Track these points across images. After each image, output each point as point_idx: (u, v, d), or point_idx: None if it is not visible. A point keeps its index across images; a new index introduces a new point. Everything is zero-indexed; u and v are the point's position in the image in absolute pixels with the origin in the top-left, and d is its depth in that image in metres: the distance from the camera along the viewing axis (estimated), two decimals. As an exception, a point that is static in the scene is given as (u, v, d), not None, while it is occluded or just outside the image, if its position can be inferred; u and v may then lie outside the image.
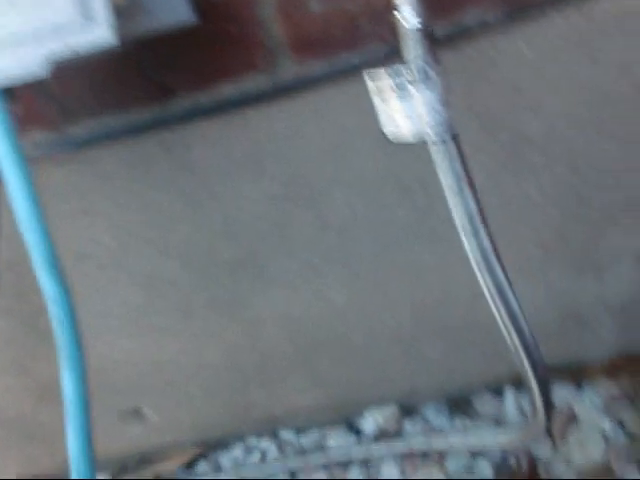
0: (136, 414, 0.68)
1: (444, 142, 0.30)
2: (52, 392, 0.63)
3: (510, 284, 0.37)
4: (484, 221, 0.32)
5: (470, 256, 0.34)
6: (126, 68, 0.35)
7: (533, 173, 0.46)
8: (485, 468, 0.66)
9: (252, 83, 0.37)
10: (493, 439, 0.62)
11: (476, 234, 0.32)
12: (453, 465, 0.68)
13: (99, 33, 0.23)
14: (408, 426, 0.72)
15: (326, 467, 0.71)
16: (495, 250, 0.33)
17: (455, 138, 0.31)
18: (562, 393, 0.68)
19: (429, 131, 0.29)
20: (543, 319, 0.60)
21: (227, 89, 0.37)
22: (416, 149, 0.43)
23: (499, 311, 0.39)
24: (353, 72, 0.37)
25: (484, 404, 0.71)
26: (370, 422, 0.73)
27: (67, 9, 0.22)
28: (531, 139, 0.43)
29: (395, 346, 0.64)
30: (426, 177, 0.44)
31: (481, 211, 0.32)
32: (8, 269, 0.49)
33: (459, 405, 0.72)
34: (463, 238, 0.33)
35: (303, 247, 0.50)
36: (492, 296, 0.37)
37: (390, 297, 0.56)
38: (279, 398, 0.71)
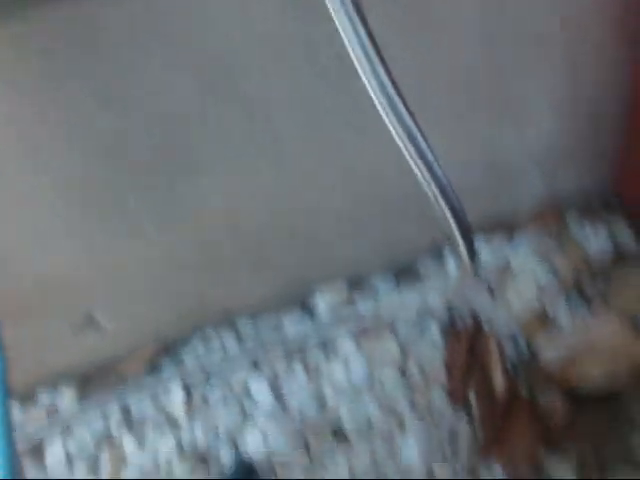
0: (89, 323, 0.68)
1: None
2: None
3: (421, 132, 0.36)
4: (378, 52, 0.30)
5: (374, 99, 0.32)
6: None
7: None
8: (433, 329, 0.71)
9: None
10: (435, 294, 0.65)
11: (371, 63, 0.30)
12: (403, 330, 0.72)
13: None
14: (357, 297, 0.75)
15: (286, 354, 0.74)
16: (397, 91, 0.32)
17: None
18: (496, 248, 0.71)
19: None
20: (470, 175, 0.61)
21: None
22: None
23: (415, 162, 0.38)
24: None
25: (427, 268, 0.74)
26: (322, 299, 0.76)
27: None
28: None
29: (336, 226, 0.65)
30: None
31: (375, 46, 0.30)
32: None
33: (404, 272, 0.75)
34: (362, 77, 0.31)
35: (231, 137, 0.47)
36: (403, 142, 0.36)
37: (323, 178, 0.55)
38: (231, 290, 0.71)
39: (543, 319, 0.69)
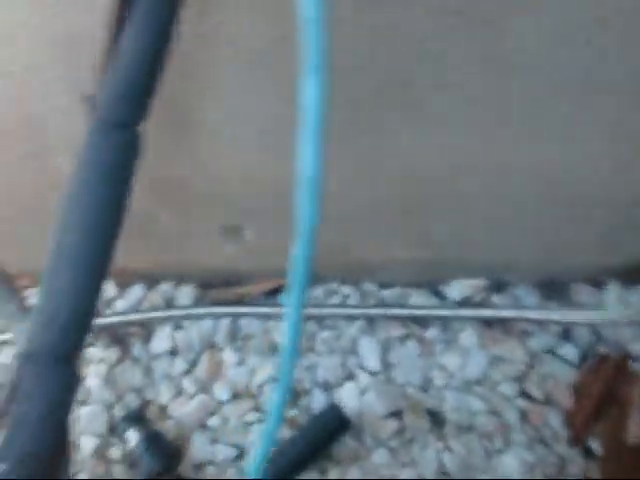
0: (236, 232, 0.70)
1: None
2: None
3: None
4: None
5: None
6: None
7: None
8: (571, 352, 0.66)
9: None
10: (585, 316, 0.60)
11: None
12: (535, 344, 0.67)
13: None
14: (495, 300, 0.71)
15: (404, 322, 0.72)
16: None
17: None
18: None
19: None
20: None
21: None
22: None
23: None
24: None
25: (581, 292, 0.69)
26: (456, 290, 0.73)
27: None
28: None
29: (507, 211, 0.62)
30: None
31: None
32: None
33: (554, 289, 0.71)
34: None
35: (462, 83, 0.46)
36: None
37: (513, 154, 0.53)
38: (374, 246, 0.70)
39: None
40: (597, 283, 0.68)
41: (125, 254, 0.74)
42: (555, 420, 0.62)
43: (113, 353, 0.72)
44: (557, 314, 0.64)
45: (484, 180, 0.59)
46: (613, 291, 0.66)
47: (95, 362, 0.72)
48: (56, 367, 0.40)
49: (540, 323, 0.67)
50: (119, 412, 0.68)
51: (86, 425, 0.67)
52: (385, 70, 0.48)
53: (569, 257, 0.67)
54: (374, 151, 0.57)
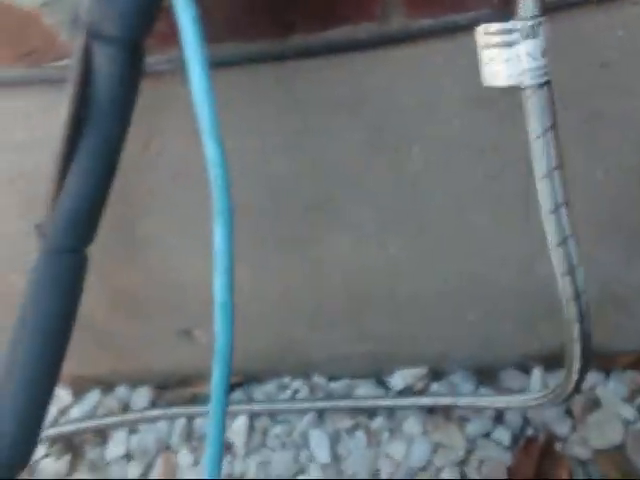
0: (187, 335, 0.74)
1: (539, 86, 0.34)
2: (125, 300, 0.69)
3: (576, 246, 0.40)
4: (561, 170, 0.36)
5: (541, 199, 0.37)
6: (259, 2, 0.39)
7: (603, 153, 0.49)
8: (503, 435, 0.70)
9: (363, 31, 0.41)
10: (515, 399, 0.65)
11: (552, 180, 0.36)
12: (472, 429, 0.72)
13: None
14: (435, 387, 0.76)
15: (352, 413, 0.76)
16: (567, 199, 0.37)
17: (549, 84, 0.34)
18: (589, 376, 0.71)
19: (526, 75, 0.33)
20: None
21: (340, 33, 0.41)
22: (496, 117, 0.47)
23: (564, 281, 0.42)
24: (456, 32, 0.40)
25: (510, 378, 0.75)
26: (399, 379, 0.78)
27: None
28: (608, 118, 0.46)
29: (437, 306, 0.68)
30: (501, 143, 0.48)
31: (560, 159, 0.36)
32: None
33: (486, 376, 0.76)
34: (538, 186, 0.37)
35: (377, 196, 0.54)
36: (558, 257, 0.40)
37: (445, 256, 0.60)
38: (320, 343, 0.75)
39: (622, 461, 0.67)
40: (524, 368, 0.74)
41: (81, 362, 0.78)
42: (494, 502, 0.65)
43: (66, 462, 0.73)
44: (488, 400, 0.69)
45: (414, 281, 0.65)
46: (536, 376, 0.71)
47: (48, 474, 0.73)
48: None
49: (475, 409, 0.72)
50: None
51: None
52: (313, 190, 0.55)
53: (497, 345, 0.73)
54: (314, 259, 0.63)
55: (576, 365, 0.53)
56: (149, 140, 0.51)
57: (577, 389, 0.56)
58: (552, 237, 0.38)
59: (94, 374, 0.78)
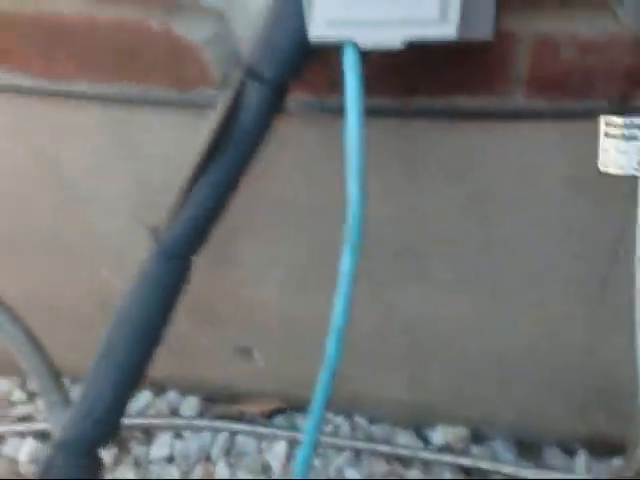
0: (246, 353, 0.77)
1: None
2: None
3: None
4: None
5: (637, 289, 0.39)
6: (393, 64, 0.44)
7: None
8: (540, 511, 0.70)
9: (480, 103, 0.45)
10: (560, 476, 0.65)
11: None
12: (508, 498, 0.72)
13: (448, 31, 0.31)
14: (474, 450, 0.77)
15: (388, 459, 0.77)
16: None
17: None
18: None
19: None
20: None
21: (460, 101, 0.45)
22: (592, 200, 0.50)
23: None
24: (570, 117, 0.44)
25: (553, 456, 0.75)
26: (440, 435, 0.79)
27: (432, 10, 0.31)
28: None
29: (493, 370, 0.69)
30: (591, 227, 0.51)
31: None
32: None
33: (528, 449, 0.76)
34: (636, 271, 0.39)
35: (464, 257, 0.57)
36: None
37: (512, 323, 0.62)
38: (371, 385, 0.77)
39: None
40: (569, 449, 0.74)
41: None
42: None
43: (112, 455, 0.76)
44: (530, 472, 0.69)
45: (477, 341, 0.67)
46: (581, 458, 0.71)
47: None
48: (84, 456, 0.47)
49: (516, 478, 0.72)
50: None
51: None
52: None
53: (542, 421, 0.74)
54: (387, 301, 0.66)
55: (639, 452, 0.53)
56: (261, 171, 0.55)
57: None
58: None
59: (149, 374, 0.82)
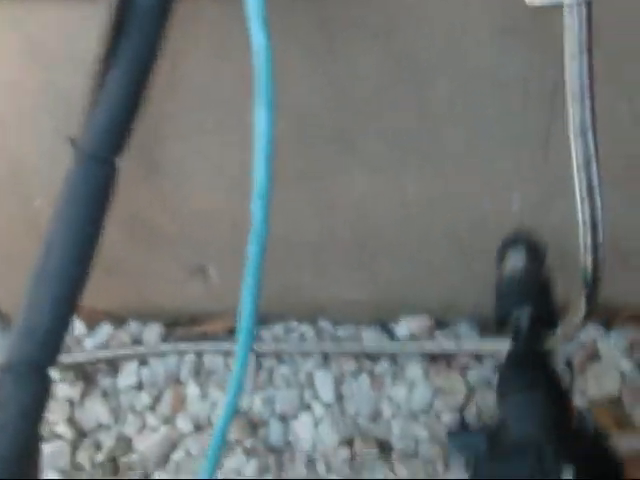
0: (201, 272, 0.75)
1: (579, 4, 0.35)
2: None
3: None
4: (591, 95, 0.37)
5: (571, 123, 0.38)
6: None
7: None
8: (504, 383, 0.72)
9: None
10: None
11: (582, 101, 0.37)
12: (473, 377, 0.74)
13: None
14: (439, 335, 0.78)
15: (357, 357, 0.78)
16: (595, 125, 0.38)
17: (589, 5, 0.35)
18: (589, 329, 0.73)
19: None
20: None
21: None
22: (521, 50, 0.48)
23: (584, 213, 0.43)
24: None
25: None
26: (404, 327, 0.80)
27: None
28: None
29: (449, 253, 0.69)
30: (527, 76, 0.49)
31: (591, 83, 0.37)
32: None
33: (491, 328, 0.78)
34: (569, 106, 0.38)
35: (396, 130, 0.55)
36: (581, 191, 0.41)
37: (464, 200, 0.61)
38: (327, 286, 0.77)
39: (618, 412, 0.69)
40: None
41: (93, 294, 0.79)
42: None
43: (79, 388, 0.75)
44: (491, 345, 0.71)
45: (424, 223, 0.66)
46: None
47: (61, 399, 0.75)
48: (31, 376, 0.45)
49: (478, 357, 0.74)
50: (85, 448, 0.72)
51: (50, 461, 0.70)
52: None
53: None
54: (326, 195, 0.64)
55: (580, 314, 0.54)
56: (175, 62, 0.51)
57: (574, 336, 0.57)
58: (577, 159, 0.39)
59: (106, 307, 0.80)
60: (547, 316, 0.48)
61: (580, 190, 0.42)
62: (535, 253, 0.54)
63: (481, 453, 0.46)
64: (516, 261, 0.52)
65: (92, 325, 0.81)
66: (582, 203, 0.42)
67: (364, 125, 0.55)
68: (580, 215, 0.44)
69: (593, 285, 0.50)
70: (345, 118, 0.54)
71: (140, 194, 0.65)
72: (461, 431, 0.68)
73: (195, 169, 0.62)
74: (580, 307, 0.53)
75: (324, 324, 0.81)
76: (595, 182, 0.41)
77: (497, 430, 0.45)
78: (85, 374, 0.77)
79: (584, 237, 0.44)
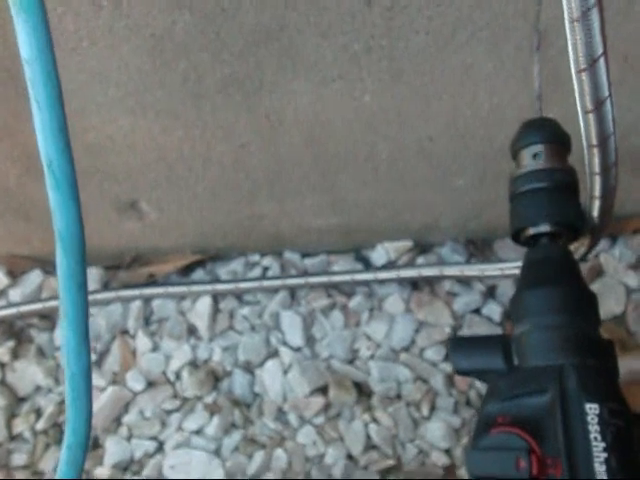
0: (133, 208, 0.63)
1: None
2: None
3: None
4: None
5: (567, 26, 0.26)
6: None
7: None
8: (494, 311, 0.64)
9: None
10: (508, 266, 0.58)
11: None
12: (460, 305, 0.65)
13: None
14: (421, 261, 0.68)
15: (328, 292, 0.68)
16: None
17: None
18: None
19: None
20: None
21: None
22: None
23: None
24: None
25: (506, 250, 0.67)
26: (381, 254, 0.70)
27: None
28: None
29: (423, 168, 0.58)
30: None
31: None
32: None
33: (478, 248, 0.68)
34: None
35: (343, 28, 0.41)
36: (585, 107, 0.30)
37: (429, 106, 0.48)
38: (288, 214, 0.66)
39: (621, 330, 0.61)
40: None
41: (10, 238, 0.67)
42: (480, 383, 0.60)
43: (9, 349, 0.65)
44: (478, 269, 0.61)
45: (391, 136, 0.54)
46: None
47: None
48: None
49: (465, 283, 0.65)
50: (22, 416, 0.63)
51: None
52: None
53: (490, 214, 0.64)
54: (269, 111, 0.51)
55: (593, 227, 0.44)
56: None
57: (586, 255, 0.48)
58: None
59: (29, 253, 0.68)
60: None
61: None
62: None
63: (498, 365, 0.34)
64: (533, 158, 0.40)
65: (16, 274, 0.70)
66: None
67: (302, 21, 0.41)
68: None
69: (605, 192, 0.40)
70: (276, 16, 0.40)
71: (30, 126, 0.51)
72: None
73: (94, 92, 0.48)
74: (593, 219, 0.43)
75: (290, 255, 0.71)
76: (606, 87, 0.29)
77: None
78: (14, 331, 0.67)
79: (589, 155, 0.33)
